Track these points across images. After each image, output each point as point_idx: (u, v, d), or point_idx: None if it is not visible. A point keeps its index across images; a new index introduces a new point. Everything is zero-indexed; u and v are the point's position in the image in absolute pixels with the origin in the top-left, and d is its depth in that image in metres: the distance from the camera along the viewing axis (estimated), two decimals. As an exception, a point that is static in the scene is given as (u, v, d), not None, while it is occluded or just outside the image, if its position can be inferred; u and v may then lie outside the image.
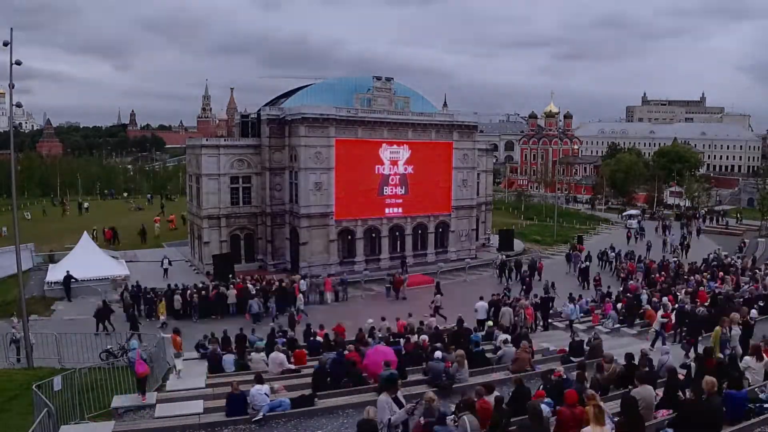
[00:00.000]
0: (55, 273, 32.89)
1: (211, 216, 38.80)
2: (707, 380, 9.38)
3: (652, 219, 67.97)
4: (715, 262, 35.24)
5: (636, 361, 12.89)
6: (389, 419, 10.09)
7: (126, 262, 37.98)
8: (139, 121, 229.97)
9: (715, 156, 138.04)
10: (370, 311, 27.02)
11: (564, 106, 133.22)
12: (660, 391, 10.95)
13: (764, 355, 12.27)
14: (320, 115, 38.01)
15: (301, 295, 30.64)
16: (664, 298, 22.71)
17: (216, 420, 12.54)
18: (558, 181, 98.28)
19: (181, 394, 14.64)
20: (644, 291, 26.56)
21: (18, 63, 18.62)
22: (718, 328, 15.18)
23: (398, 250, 42.28)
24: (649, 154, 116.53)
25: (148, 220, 54.87)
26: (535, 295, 27.44)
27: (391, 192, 41.63)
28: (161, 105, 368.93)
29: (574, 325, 23.20)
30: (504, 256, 42.38)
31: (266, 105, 45.04)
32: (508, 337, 17.86)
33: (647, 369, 12.38)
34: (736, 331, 15.41)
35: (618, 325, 22.73)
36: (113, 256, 38.36)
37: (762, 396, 10.66)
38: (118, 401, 13.86)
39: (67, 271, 31.52)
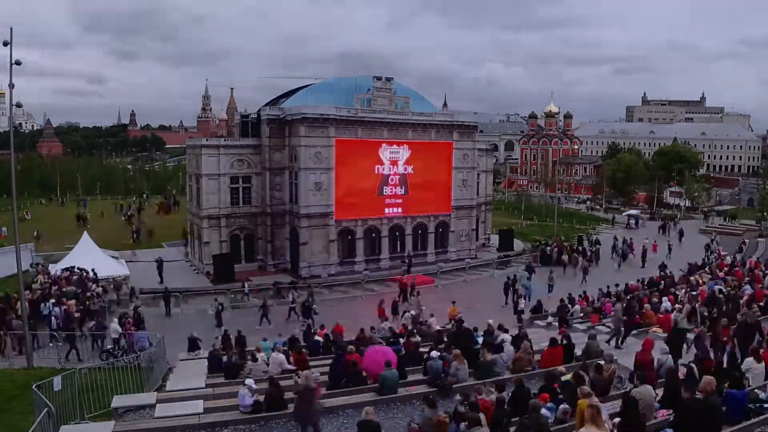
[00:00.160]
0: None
1: (211, 216, 38.79)
2: (705, 380, 9.38)
3: (651, 219, 68.07)
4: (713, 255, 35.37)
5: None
6: None
7: (126, 262, 37.97)
8: (139, 121, 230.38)
9: (715, 156, 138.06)
10: (370, 311, 27.03)
11: (564, 106, 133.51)
12: (660, 391, 10.97)
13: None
14: (320, 115, 38.00)
15: None
16: (664, 299, 22.76)
17: (216, 420, 12.55)
18: (558, 181, 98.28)
19: (181, 394, 14.64)
20: (644, 291, 26.59)
21: (18, 63, 18.60)
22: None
23: (398, 250, 42.27)
24: (649, 154, 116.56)
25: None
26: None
27: (391, 192, 41.63)
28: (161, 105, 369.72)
29: (574, 324, 23.16)
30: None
31: (266, 105, 45.03)
32: (509, 337, 17.85)
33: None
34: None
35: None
36: (113, 256, 38.35)
37: (762, 396, 10.66)
38: (118, 401, 13.86)
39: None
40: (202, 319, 27.95)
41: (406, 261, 40.34)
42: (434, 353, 14.87)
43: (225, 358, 17.46)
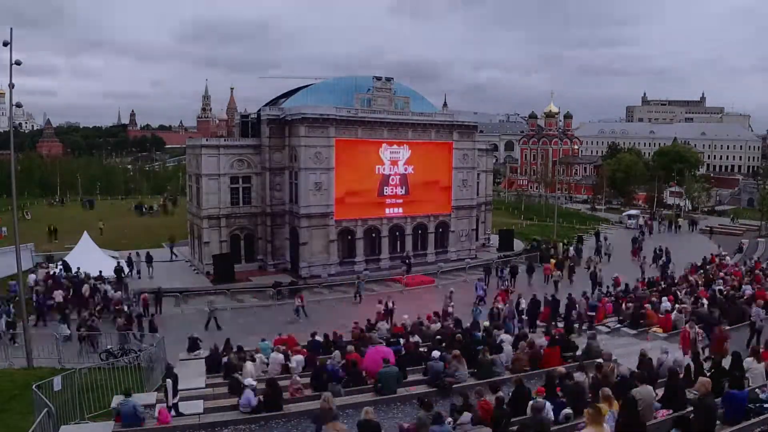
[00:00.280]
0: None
1: (211, 216, 38.76)
2: (701, 381, 9.42)
3: (652, 219, 68.02)
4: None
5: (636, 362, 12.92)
6: None
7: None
8: (139, 121, 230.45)
9: (715, 156, 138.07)
10: (369, 311, 26.99)
11: (564, 106, 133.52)
12: (660, 391, 10.98)
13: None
14: (320, 115, 37.99)
15: None
16: (664, 299, 22.77)
17: (216, 420, 12.55)
18: (558, 181, 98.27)
19: (181, 394, 14.61)
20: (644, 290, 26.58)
21: (18, 63, 18.62)
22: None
23: (398, 250, 42.25)
24: (649, 154, 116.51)
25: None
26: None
27: (391, 192, 41.61)
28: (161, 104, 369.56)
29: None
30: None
31: (266, 105, 45.02)
32: (508, 337, 17.87)
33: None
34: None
35: (618, 326, 22.69)
36: (113, 256, 38.33)
37: (762, 396, 10.67)
38: (118, 401, 13.83)
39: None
40: (201, 319, 27.89)
41: (407, 261, 40.31)
42: (435, 353, 14.87)
43: (225, 359, 17.47)
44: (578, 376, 12.20)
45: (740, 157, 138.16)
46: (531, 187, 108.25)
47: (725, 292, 23.89)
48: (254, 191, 40.15)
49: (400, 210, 42.18)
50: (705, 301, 21.91)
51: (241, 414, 12.68)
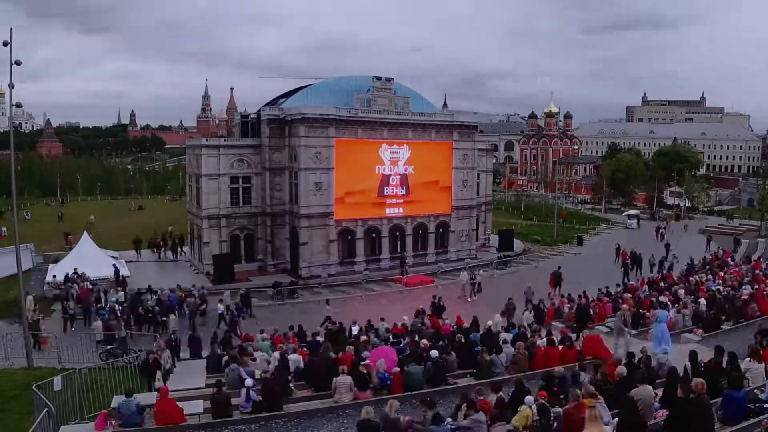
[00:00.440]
0: (57, 272, 32.82)
1: (211, 216, 38.77)
2: (696, 381, 9.43)
3: (651, 219, 68.07)
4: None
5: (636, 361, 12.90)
6: None
7: (126, 262, 37.92)
8: (139, 122, 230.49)
9: (715, 156, 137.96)
10: (370, 311, 27.00)
11: (564, 106, 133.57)
12: (660, 391, 10.97)
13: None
14: (320, 115, 38.01)
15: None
16: (663, 298, 22.75)
17: (216, 420, 12.53)
18: (558, 181, 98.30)
19: (181, 394, 14.62)
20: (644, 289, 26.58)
21: (18, 63, 18.60)
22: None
23: (398, 250, 42.27)
24: (649, 154, 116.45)
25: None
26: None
27: (392, 192, 41.63)
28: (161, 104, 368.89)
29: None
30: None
31: (266, 105, 45.00)
32: (508, 338, 17.85)
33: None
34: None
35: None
36: (113, 256, 38.32)
37: (762, 396, 10.66)
38: (118, 401, 13.83)
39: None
40: (200, 319, 27.87)
41: (402, 262, 40.39)
42: (434, 353, 14.86)
43: (225, 358, 17.45)
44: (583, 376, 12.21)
45: (740, 157, 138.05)
46: (531, 187, 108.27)
47: (725, 293, 23.86)
48: (254, 191, 40.16)
49: (401, 210, 42.19)
50: (704, 301, 21.89)
51: (241, 414, 12.68)
